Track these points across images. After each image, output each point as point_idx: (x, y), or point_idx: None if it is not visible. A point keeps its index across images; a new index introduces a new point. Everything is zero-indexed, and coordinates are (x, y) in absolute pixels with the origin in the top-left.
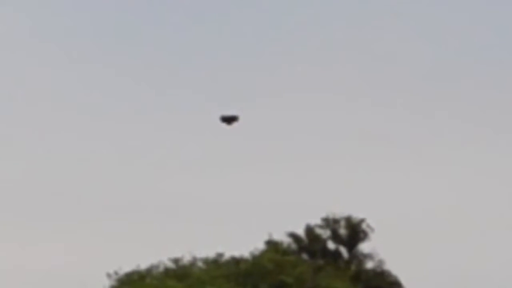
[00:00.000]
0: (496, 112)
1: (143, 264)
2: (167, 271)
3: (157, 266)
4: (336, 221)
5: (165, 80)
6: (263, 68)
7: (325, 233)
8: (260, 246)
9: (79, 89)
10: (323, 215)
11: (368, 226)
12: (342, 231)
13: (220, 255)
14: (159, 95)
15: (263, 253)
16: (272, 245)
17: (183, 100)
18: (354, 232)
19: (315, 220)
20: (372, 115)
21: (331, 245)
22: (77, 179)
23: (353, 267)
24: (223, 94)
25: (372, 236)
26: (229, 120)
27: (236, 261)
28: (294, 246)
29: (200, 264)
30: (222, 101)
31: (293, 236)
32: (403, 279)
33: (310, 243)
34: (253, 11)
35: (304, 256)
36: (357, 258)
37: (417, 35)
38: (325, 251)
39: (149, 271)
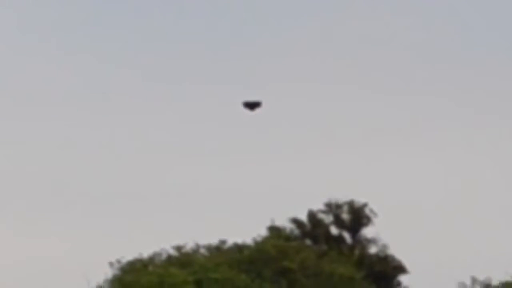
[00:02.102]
0: (502, 98)
1: (146, 252)
2: (170, 258)
3: (159, 254)
4: (339, 206)
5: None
6: (268, 56)
7: (328, 218)
8: (263, 232)
9: (86, 79)
10: (326, 200)
11: (371, 210)
12: (345, 216)
13: (223, 242)
14: (168, 84)
15: (266, 240)
16: (275, 231)
17: (189, 88)
18: (357, 217)
19: (318, 205)
20: (375, 101)
21: (334, 230)
22: (80, 168)
23: (356, 252)
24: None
25: (375, 220)
26: (252, 106)
27: (239, 248)
28: (297, 231)
29: (203, 251)
30: (223, 88)
31: (296, 221)
32: (407, 264)
33: (313, 228)
34: None
35: (307, 241)
36: (361, 243)
37: (415, 20)
38: (328, 237)
39: (151, 259)
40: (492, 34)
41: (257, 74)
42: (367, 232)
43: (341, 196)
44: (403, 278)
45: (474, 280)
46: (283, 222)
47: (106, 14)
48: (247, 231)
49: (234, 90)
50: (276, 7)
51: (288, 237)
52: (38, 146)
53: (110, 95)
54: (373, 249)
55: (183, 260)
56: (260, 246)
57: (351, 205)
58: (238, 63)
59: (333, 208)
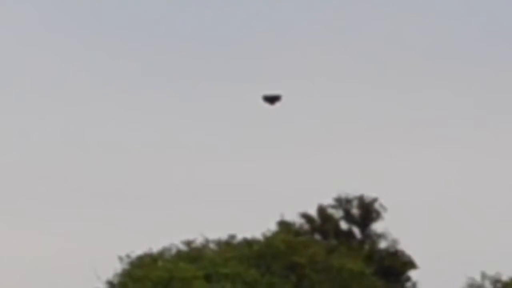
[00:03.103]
0: (507, 94)
1: (155, 247)
2: (179, 253)
3: (169, 249)
4: (348, 201)
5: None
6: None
7: (337, 213)
8: (272, 227)
9: (94, 76)
10: (335, 195)
11: (381, 205)
12: (355, 211)
13: (232, 236)
14: (182, 80)
15: (275, 234)
16: (284, 226)
17: (203, 84)
18: (367, 212)
19: (328, 200)
20: (386, 97)
21: (343, 225)
22: (92, 164)
23: (366, 247)
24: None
25: (385, 215)
26: (272, 99)
27: (248, 243)
28: (306, 226)
29: (212, 246)
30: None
31: (306, 216)
32: (416, 259)
33: (322, 223)
34: None
35: (317, 236)
36: (370, 238)
37: (419, 17)
38: (337, 231)
39: (161, 253)
40: (494, 31)
41: (268, 69)
42: (377, 227)
43: (351, 191)
44: (412, 274)
45: (483, 276)
46: (293, 217)
47: (118, 11)
48: (256, 226)
49: (243, 86)
50: (299, 1)
51: (297, 232)
52: (45, 142)
53: (121, 91)
54: (382, 244)
55: (193, 255)
56: (269, 241)
57: (361, 200)
58: (246, 59)
59: (343, 203)
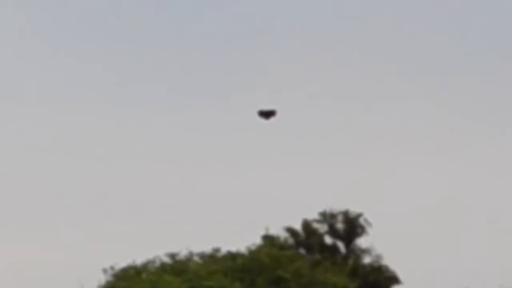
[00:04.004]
0: (496, 106)
1: (139, 259)
2: (163, 266)
3: (153, 261)
4: (333, 216)
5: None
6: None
7: (322, 228)
8: (257, 241)
9: (92, 84)
10: (320, 209)
11: (366, 220)
12: (340, 225)
13: (217, 250)
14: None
15: (260, 248)
16: (269, 239)
17: (182, 97)
18: (352, 227)
19: (312, 214)
20: (370, 110)
21: (328, 239)
22: (77, 175)
23: (350, 262)
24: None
25: (370, 231)
26: (267, 114)
27: (233, 256)
28: (291, 240)
29: (196, 259)
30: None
31: (290, 230)
32: (400, 274)
33: (307, 237)
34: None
35: (301, 250)
36: (355, 253)
37: (409, 30)
38: (322, 246)
39: (145, 266)
40: (486, 42)
41: (259, 83)
42: (361, 242)
43: (336, 205)
44: None
45: None
46: (278, 231)
47: (118, 22)
48: (241, 239)
49: (231, 98)
50: (293, 16)
51: (282, 246)
52: (30, 152)
53: (115, 101)
54: (367, 259)
55: (177, 267)
56: (254, 255)
57: (345, 214)
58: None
59: (327, 217)
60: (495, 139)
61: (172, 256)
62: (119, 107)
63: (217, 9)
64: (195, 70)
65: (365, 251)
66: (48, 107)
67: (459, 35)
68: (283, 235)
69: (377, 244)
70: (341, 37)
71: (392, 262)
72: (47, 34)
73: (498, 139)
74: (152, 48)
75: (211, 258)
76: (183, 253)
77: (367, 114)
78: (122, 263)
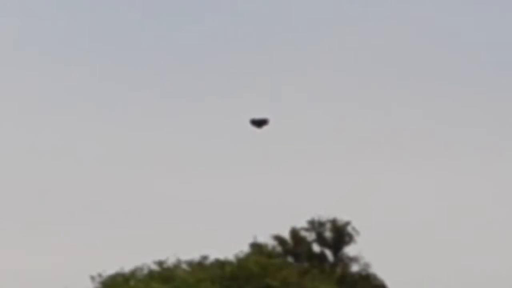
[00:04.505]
0: (485, 114)
1: (127, 267)
2: (151, 273)
3: (141, 269)
4: (321, 224)
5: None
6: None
7: (310, 236)
8: (245, 249)
9: (82, 90)
10: (309, 218)
11: (354, 229)
12: (328, 234)
13: (205, 257)
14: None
15: (248, 256)
16: (257, 248)
17: (168, 102)
18: (340, 235)
19: (301, 223)
20: (358, 118)
21: (316, 248)
22: (64, 181)
23: (338, 270)
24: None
25: (358, 239)
26: (259, 123)
27: (221, 264)
28: (279, 249)
29: (184, 266)
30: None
31: (278, 239)
32: (388, 283)
33: (295, 246)
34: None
35: (289, 259)
36: (343, 261)
37: (408, 35)
38: (310, 254)
39: (133, 273)
40: (478, 49)
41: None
42: (349, 250)
43: (324, 214)
44: None
45: None
46: (266, 239)
47: (111, 25)
48: (229, 247)
49: (218, 106)
50: (285, 23)
51: (270, 254)
52: (19, 155)
53: (105, 107)
54: (355, 268)
55: (165, 275)
56: (242, 263)
57: (333, 223)
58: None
59: (315, 226)
60: (485, 147)
61: (160, 263)
62: (110, 112)
63: (210, 16)
64: (186, 75)
65: (353, 260)
66: (38, 111)
67: (452, 42)
68: (271, 243)
69: (365, 252)
70: (333, 44)
71: (380, 270)
72: (39, 38)
73: (488, 147)
74: (144, 53)
75: (199, 266)
76: (171, 261)
77: (355, 122)
78: (110, 270)
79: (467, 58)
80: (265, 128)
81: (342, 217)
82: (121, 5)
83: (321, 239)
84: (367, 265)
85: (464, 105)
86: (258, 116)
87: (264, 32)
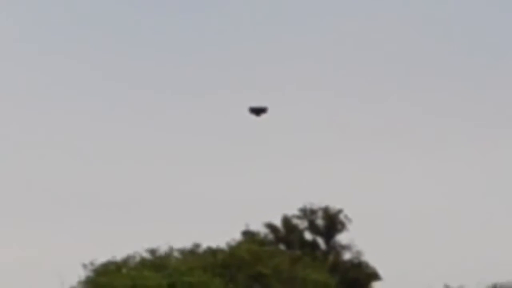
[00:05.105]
0: (482, 106)
1: (119, 255)
2: (143, 261)
3: (133, 257)
4: (313, 212)
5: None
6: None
7: (302, 224)
8: (237, 236)
9: (84, 86)
10: (300, 205)
11: (346, 217)
12: (320, 222)
13: (197, 245)
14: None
15: (240, 244)
16: (249, 235)
17: (160, 96)
18: (332, 223)
19: (292, 210)
20: (350, 107)
21: (308, 235)
22: (56, 170)
23: (330, 258)
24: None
25: (350, 227)
26: (258, 111)
27: (213, 252)
28: (271, 236)
29: (176, 254)
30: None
31: (270, 226)
32: (380, 271)
33: (287, 233)
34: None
35: (281, 246)
36: (335, 249)
37: (405, 29)
38: (302, 242)
39: (125, 261)
40: (475, 43)
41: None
42: (341, 238)
43: (316, 201)
44: (376, 285)
45: None
46: (258, 227)
47: (106, 22)
48: (221, 235)
49: (209, 97)
50: (282, 14)
51: (262, 242)
52: (6, 147)
53: (102, 102)
54: (347, 256)
55: (157, 263)
56: (234, 251)
57: (325, 211)
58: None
59: (307, 213)
60: (481, 139)
61: (152, 251)
62: (105, 106)
63: (207, 9)
64: (183, 68)
65: (345, 247)
66: (28, 106)
67: (447, 37)
68: (263, 231)
69: (357, 240)
70: (332, 35)
71: (372, 258)
72: (33, 34)
73: (484, 140)
74: (140, 48)
75: (191, 254)
76: (163, 249)
77: (348, 112)
78: (102, 258)
79: (466, 52)
80: (257, 118)
81: (334, 205)
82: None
83: (313, 227)
84: (359, 253)
85: (461, 98)
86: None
87: (264, 22)
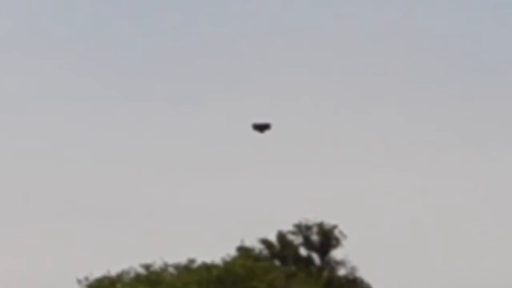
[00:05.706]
0: (471, 115)
1: (114, 270)
2: (138, 276)
3: (128, 272)
4: (308, 228)
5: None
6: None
7: (297, 240)
8: (232, 252)
9: (82, 96)
10: (295, 221)
11: (341, 232)
12: (315, 237)
13: (192, 261)
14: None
15: (235, 259)
16: (244, 251)
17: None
18: (327, 239)
19: (287, 226)
20: (344, 122)
21: (303, 251)
22: (50, 182)
23: (325, 274)
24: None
25: (345, 243)
26: (261, 127)
27: (207, 267)
28: (266, 252)
29: (171, 270)
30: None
31: (265, 242)
32: (375, 286)
33: (282, 249)
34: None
35: (276, 262)
36: (329, 265)
37: (399, 40)
38: (297, 258)
39: (120, 276)
40: (462, 54)
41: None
42: (336, 254)
43: (311, 217)
44: None
45: None
46: (252, 242)
47: (105, 26)
48: (216, 250)
49: (211, 109)
50: (285, 28)
51: (257, 258)
52: (4, 157)
53: (104, 110)
54: (342, 271)
55: (152, 278)
56: (229, 266)
57: (320, 226)
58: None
59: (302, 229)
60: (472, 150)
61: (147, 267)
62: (102, 115)
63: (212, 20)
64: (184, 78)
65: (340, 263)
66: (23, 114)
67: (441, 49)
68: (258, 246)
69: (352, 256)
70: (328, 48)
71: (367, 274)
72: (26, 39)
73: (475, 150)
74: (145, 56)
75: (186, 269)
76: (158, 264)
77: (341, 126)
78: (96, 273)
79: (456, 62)
80: (254, 133)
81: (329, 221)
82: (121, 6)
83: (308, 243)
84: (354, 268)
85: (451, 108)
86: (260, 120)
87: (267, 36)
